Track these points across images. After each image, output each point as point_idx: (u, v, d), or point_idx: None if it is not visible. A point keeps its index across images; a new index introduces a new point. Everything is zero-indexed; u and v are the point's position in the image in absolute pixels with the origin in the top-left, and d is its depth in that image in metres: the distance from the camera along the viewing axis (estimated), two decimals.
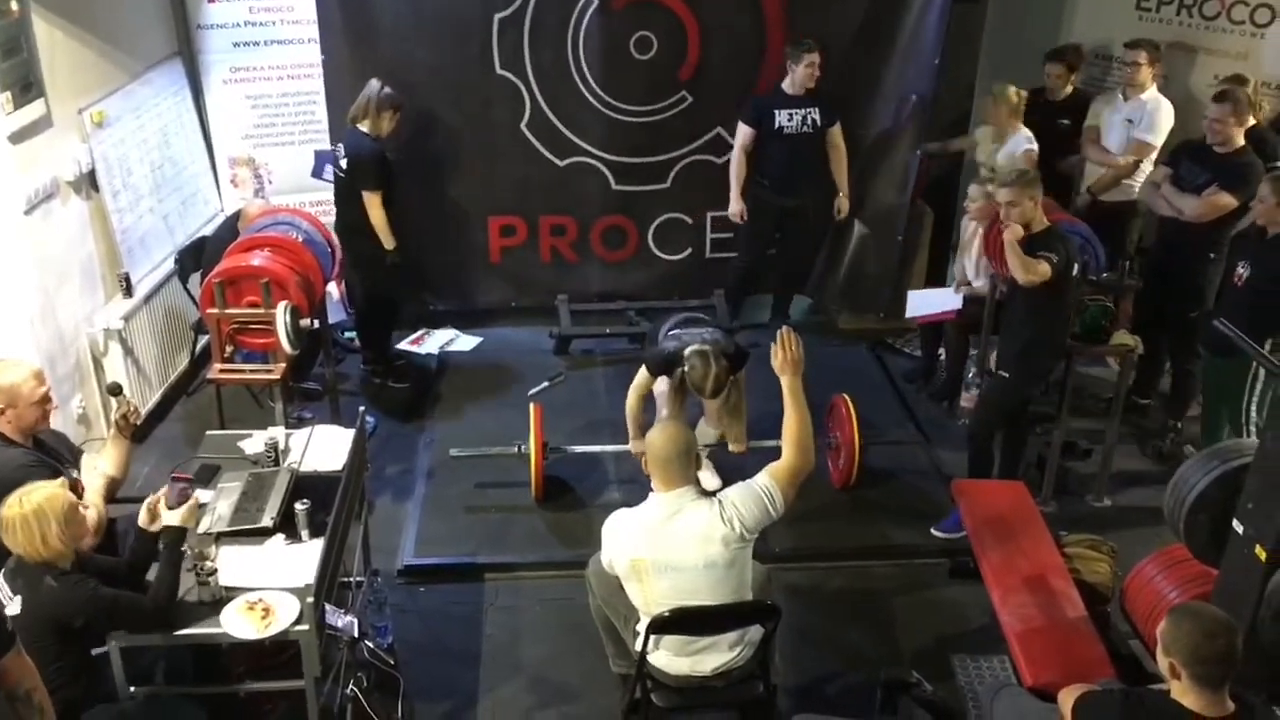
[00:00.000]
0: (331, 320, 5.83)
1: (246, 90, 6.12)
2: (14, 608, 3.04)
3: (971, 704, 3.83)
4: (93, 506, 3.60)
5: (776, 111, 5.91)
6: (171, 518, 3.28)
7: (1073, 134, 6.09)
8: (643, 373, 4.65)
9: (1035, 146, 5.76)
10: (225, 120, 6.17)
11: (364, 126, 5.35)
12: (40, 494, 3.05)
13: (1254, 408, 4.64)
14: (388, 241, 5.43)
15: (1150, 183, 5.49)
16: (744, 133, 6.01)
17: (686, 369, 4.39)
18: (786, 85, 5.88)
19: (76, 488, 3.65)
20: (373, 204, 5.35)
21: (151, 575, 3.28)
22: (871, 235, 6.43)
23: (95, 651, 3.23)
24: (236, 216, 5.57)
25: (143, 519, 3.29)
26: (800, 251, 6.44)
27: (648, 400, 4.81)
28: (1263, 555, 3.02)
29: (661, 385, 4.72)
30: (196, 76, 6.09)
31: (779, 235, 6.30)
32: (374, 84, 5.37)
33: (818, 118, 5.93)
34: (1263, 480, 3.04)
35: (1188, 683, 2.62)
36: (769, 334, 3.46)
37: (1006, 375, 4.67)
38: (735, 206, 6.15)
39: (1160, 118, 5.73)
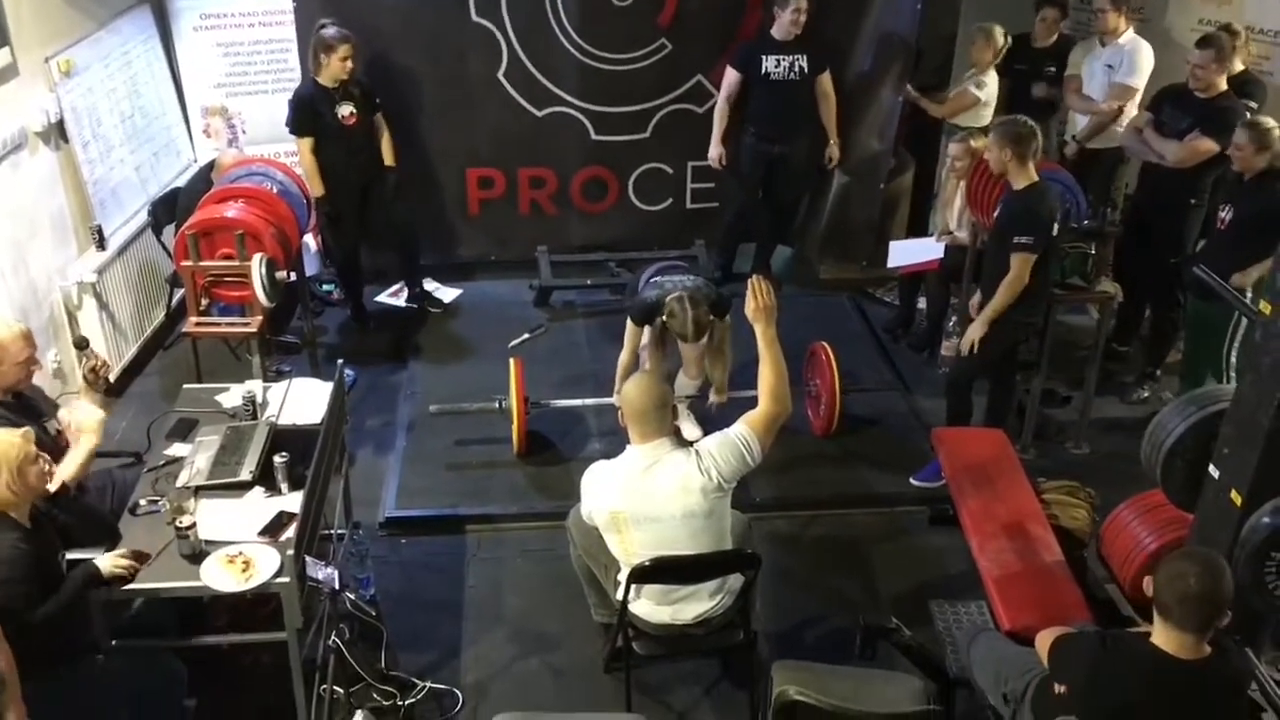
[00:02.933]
0: (309, 272, 5.79)
1: (217, 38, 6.01)
2: None
3: (950, 648, 3.88)
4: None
5: (764, 57, 5.83)
6: (102, 563, 3.18)
7: (1058, 81, 6.06)
8: (630, 325, 4.63)
9: (981, 95, 5.84)
10: (196, 69, 6.06)
11: (314, 73, 5.32)
12: None
13: (1234, 354, 4.67)
14: (315, 187, 5.41)
15: (1132, 128, 5.47)
16: (731, 77, 5.94)
17: (666, 316, 4.37)
18: (775, 31, 5.80)
19: (59, 440, 3.64)
20: (300, 148, 5.37)
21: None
22: (853, 183, 6.39)
23: None
24: (210, 167, 5.50)
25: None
26: (787, 201, 6.39)
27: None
28: (1238, 500, 3.05)
29: (646, 339, 4.70)
30: (166, 24, 5.98)
31: (767, 183, 6.25)
32: (317, 26, 5.31)
33: (805, 65, 5.85)
34: (1238, 426, 3.06)
35: (1161, 622, 2.65)
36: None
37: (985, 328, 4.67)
38: (714, 151, 6.10)
39: (1140, 59, 5.70)
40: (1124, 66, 5.71)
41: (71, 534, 3.31)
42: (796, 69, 5.86)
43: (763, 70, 5.85)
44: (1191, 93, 5.08)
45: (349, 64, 5.28)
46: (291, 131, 5.39)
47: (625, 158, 6.45)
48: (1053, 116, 6.17)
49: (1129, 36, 5.74)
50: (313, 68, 5.32)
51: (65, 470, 3.47)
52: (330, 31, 5.25)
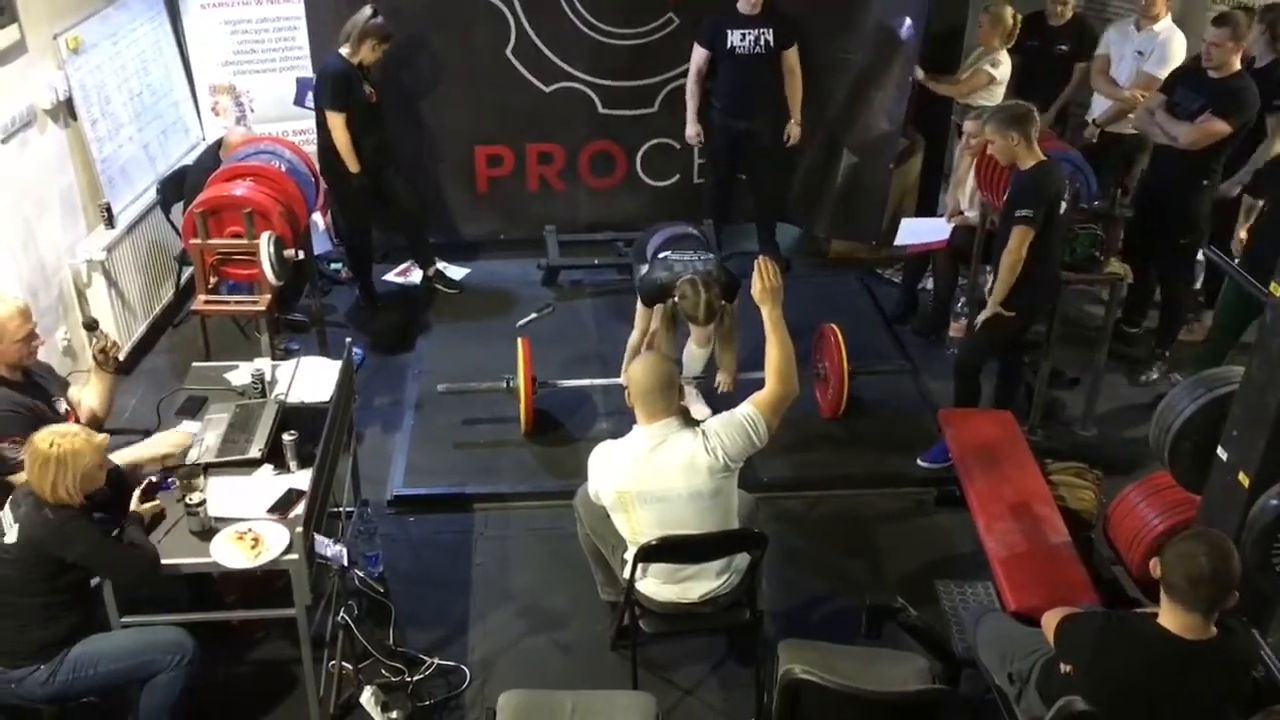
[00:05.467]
0: (317, 251, 5.79)
1: (225, 15, 5.99)
2: (11, 535, 3.07)
3: (955, 628, 3.89)
4: None
5: (729, 31, 5.80)
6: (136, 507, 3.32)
7: (1070, 59, 6.02)
8: (640, 305, 4.63)
9: (995, 73, 5.79)
10: (204, 46, 6.03)
11: (344, 50, 5.29)
12: (72, 443, 3.03)
13: None
14: (351, 164, 5.40)
15: (1145, 109, 5.42)
16: (698, 54, 5.92)
17: (677, 298, 4.36)
18: (740, 4, 5.77)
19: (67, 419, 3.65)
20: (335, 124, 5.33)
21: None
22: (862, 163, 6.35)
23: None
24: (218, 145, 5.49)
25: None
26: (764, 177, 6.33)
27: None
28: (1246, 482, 3.04)
29: (656, 322, 4.70)
30: (174, 0, 5.94)
31: (740, 160, 6.22)
32: (366, 10, 5.32)
33: (771, 39, 5.81)
34: (1247, 408, 3.06)
35: (1167, 601, 2.65)
36: None
37: (999, 308, 4.64)
38: (691, 129, 6.11)
39: (1172, 50, 5.61)
40: (1154, 56, 5.62)
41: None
42: (762, 42, 5.81)
43: (728, 45, 5.81)
44: (1204, 73, 5.02)
45: (381, 54, 5.39)
46: (326, 106, 5.33)
47: (633, 132, 6.43)
48: (1066, 87, 6.11)
49: (1165, 24, 5.64)
50: (351, 46, 5.30)
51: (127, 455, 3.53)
52: (381, 21, 5.31)
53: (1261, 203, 4.90)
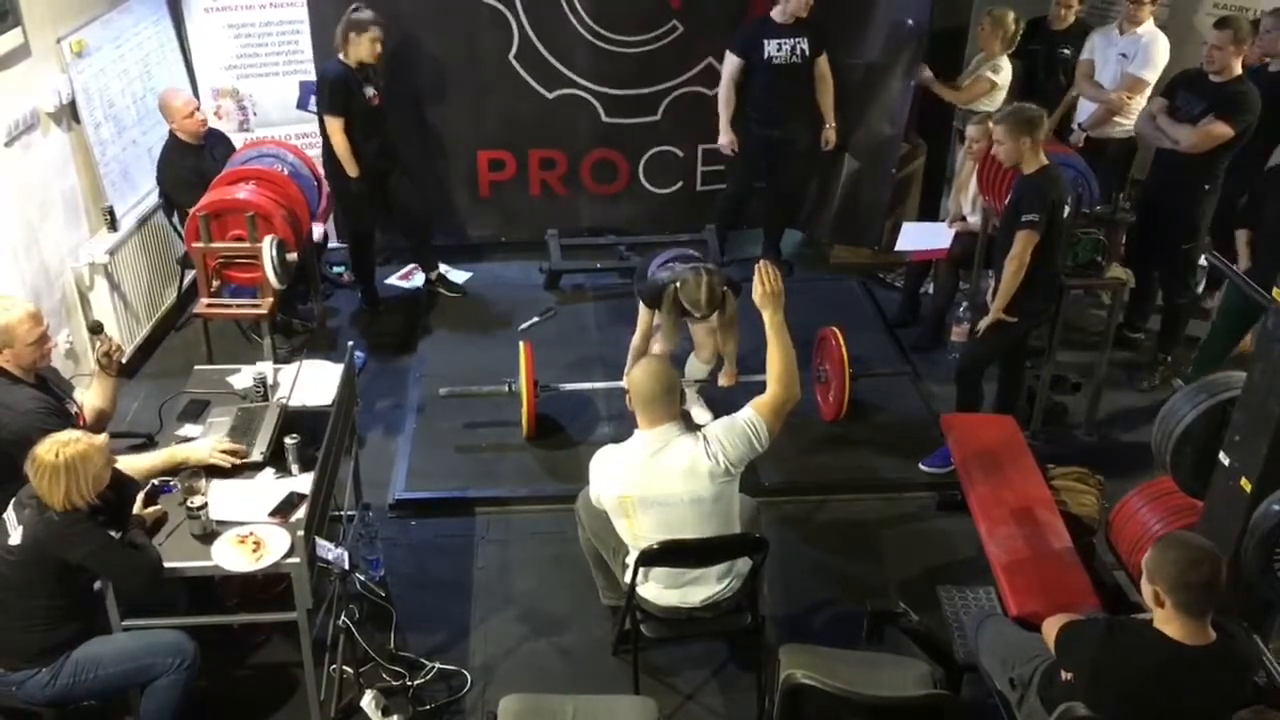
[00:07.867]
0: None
1: (228, 19, 5.99)
2: (16, 537, 3.08)
3: (957, 633, 3.88)
4: None
5: (765, 41, 5.80)
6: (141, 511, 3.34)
7: (1073, 64, 6.01)
8: (642, 308, 4.62)
9: (997, 79, 5.78)
10: (207, 50, 6.04)
11: (341, 53, 5.29)
12: (76, 448, 3.02)
13: None
14: (350, 169, 5.39)
15: (1146, 114, 5.42)
16: (732, 63, 5.92)
17: (679, 285, 4.31)
18: (776, 14, 5.76)
19: (77, 422, 3.66)
20: (332, 129, 5.31)
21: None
22: (865, 168, 6.36)
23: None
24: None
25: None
26: (790, 185, 6.36)
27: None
28: (1248, 487, 3.04)
29: (659, 322, 4.69)
30: (177, 4, 5.96)
31: (768, 168, 6.23)
32: (350, 9, 5.30)
33: (806, 47, 5.81)
34: (1249, 413, 3.05)
35: (1170, 610, 2.65)
36: None
37: (1001, 314, 4.64)
38: (725, 138, 6.09)
39: (1155, 53, 5.63)
40: (1138, 58, 5.64)
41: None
42: (798, 52, 5.81)
43: (765, 55, 5.81)
44: (1206, 77, 5.03)
45: (378, 47, 5.32)
46: (324, 111, 5.32)
47: (636, 140, 6.43)
48: (1069, 93, 6.10)
49: (1148, 28, 5.66)
50: (340, 48, 5.29)
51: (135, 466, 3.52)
52: (364, 14, 5.28)
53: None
